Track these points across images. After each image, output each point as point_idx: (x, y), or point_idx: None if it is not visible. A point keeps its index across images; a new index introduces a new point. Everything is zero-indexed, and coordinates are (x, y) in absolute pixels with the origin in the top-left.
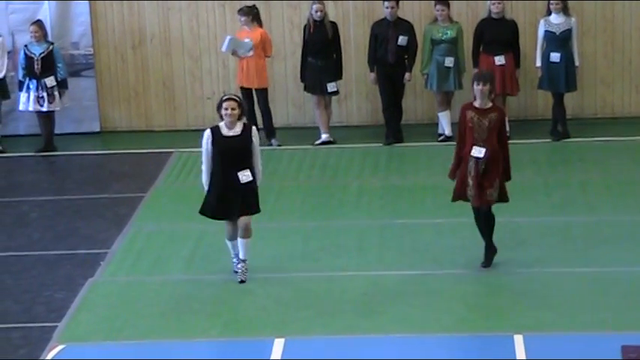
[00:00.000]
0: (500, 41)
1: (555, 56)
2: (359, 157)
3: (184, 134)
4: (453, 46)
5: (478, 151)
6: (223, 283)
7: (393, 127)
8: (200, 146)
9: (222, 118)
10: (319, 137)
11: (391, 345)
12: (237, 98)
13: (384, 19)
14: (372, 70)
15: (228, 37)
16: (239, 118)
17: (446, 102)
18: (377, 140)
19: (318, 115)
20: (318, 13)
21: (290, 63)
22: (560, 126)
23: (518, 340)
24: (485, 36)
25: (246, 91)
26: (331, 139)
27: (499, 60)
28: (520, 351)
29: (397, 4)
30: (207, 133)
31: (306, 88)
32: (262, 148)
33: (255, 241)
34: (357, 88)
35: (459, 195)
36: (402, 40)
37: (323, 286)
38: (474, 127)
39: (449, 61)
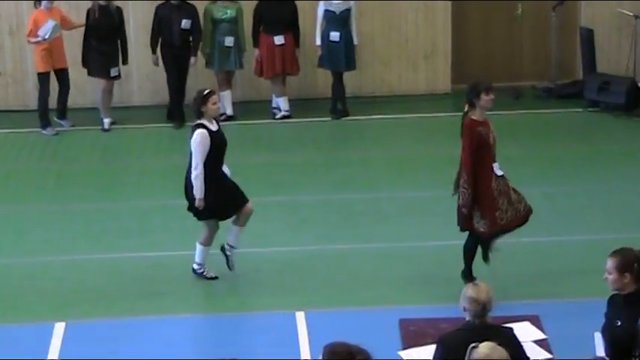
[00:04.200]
0: (280, 21)
1: (335, 35)
2: (141, 138)
3: None
4: (234, 25)
5: (497, 168)
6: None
7: (177, 109)
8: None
9: (201, 115)
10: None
11: (174, 325)
12: None
13: (168, 1)
14: (154, 52)
15: (54, 23)
16: None
17: (227, 82)
18: (161, 121)
19: (99, 98)
20: None
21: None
22: (340, 104)
23: (300, 317)
24: (265, 16)
25: (47, 75)
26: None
27: (279, 40)
28: (302, 327)
29: None
30: (204, 132)
31: (90, 73)
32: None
33: (36, 224)
34: (137, 69)
35: (503, 225)
36: (185, 23)
37: (106, 268)
38: (493, 143)
39: (229, 41)
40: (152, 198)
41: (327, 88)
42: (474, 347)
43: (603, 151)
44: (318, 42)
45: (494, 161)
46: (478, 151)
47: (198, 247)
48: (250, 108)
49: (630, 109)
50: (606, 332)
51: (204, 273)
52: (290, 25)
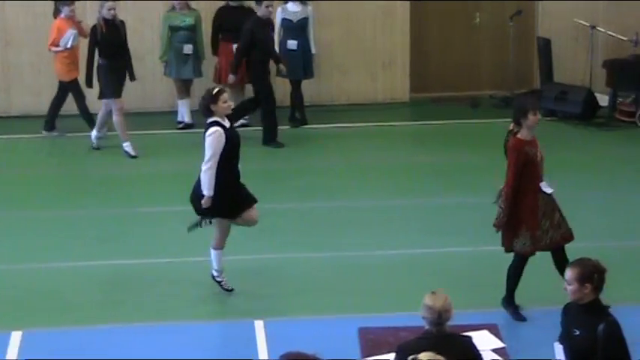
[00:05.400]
0: (239, 29)
1: (292, 44)
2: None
3: None
4: (192, 33)
5: (546, 186)
6: None
7: None
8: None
9: (211, 114)
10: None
11: (132, 334)
12: None
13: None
14: None
15: (74, 32)
16: None
17: (185, 90)
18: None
19: (118, 122)
20: (112, 12)
21: (26, 51)
22: (298, 113)
23: (259, 325)
24: (225, 24)
25: (72, 83)
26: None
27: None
28: (261, 336)
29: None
30: (219, 129)
31: (104, 95)
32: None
33: None
34: None
35: (542, 247)
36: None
37: (65, 277)
38: (539, 162)
39: (187, 49)
40: (113, 206)
41: (285, 96)
42: (413, 358)
43: (560, 159)
44: (276, 50)
45: (542, 180)
46: (524, 172)
47: (213, 253)
48: None
49: (587, 118)
50: (565, 342)
51: (223, 283)
52: None
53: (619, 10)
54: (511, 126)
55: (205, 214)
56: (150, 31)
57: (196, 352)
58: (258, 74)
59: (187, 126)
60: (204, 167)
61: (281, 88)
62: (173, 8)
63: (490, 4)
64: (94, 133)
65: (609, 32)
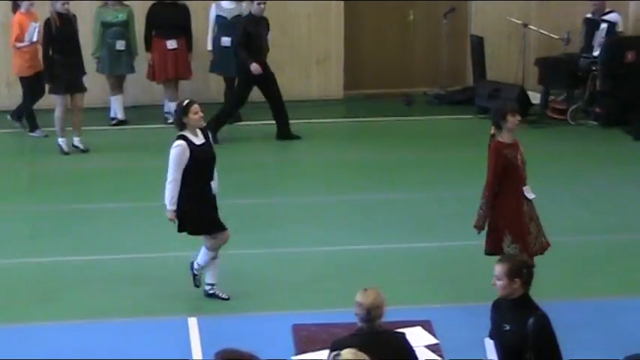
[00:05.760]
0: (173, 25)
1: (226, 41)
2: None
3: None
4: (125, 29)
5: (528, 191)
6: None
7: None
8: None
9: (183, 127)
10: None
11: (67, 332)
12: None
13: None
14: None
15: (36, 26)
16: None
17: (118, 86)
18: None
19: (59, 117)
20: (65, 6)
21: None
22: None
23: (193, 322)
24: (158, 20)
25: (32, 78)
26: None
27: (171, 44)
28: (194, 333)
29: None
30: (183, 143)
31: (55, 91)
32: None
33: None
34: None
35: (534, 251)
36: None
37: None
38: (520, 166)
39: (120, 45)
40: (43, 203)
41: (219, 93)
42: (336, 355)
43: None
44: (210, 47)
45: (525, 184)
46: (504, 174)
47: (202, 249)
48: (143, 112)
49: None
50: (496, 337)
51: (217, 293)
52: (182, 30)
53: (551, 9)
54: (492, 130)
55: (181, 230)
56: (82, 26)
57: (128, 350)
58: (245, 71)
59: (120, 122)
60: (167, 181)
61: (215, 84)
62: (106, 4)
63: (424, 2)
64: (60, 139)
65: (541, 30)
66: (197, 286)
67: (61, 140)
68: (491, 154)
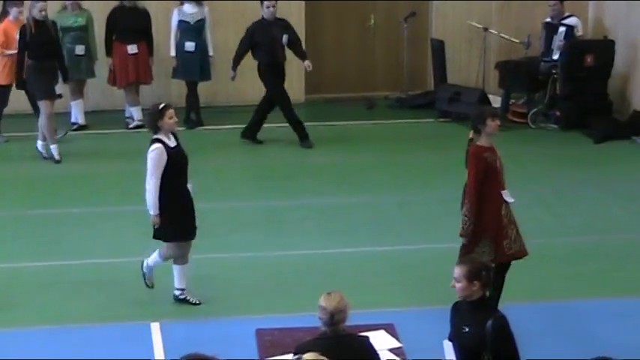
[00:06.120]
0: (133, 30)
1: (190, 46)
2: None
3: None
4: (84, 33)
5: (508, 195)
6: None
7: None
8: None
9: (157, 130)
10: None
11: (29, 338)
12: None
13: None
14: None
15: None
16: None
17: (78, 90)
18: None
19: (45, 124)
20: (43, 13)
21: None
22: (193, 114)
23: (155, 327)
24: (118, 24)
25: (9, 88)
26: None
27: (132, 49)
28: (157, 339)
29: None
30: (160, 145)
31: (33, 97)
32: None
33: None
34: None
35: (510, 255)
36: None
37: None
38: (500, 169)
39: (80, 49)
40: (4, 209)
41: (180, 97)
42: (297, 359)
43: (455, 160)
44: (173, 53)
45: (504, 188)
46: (485, 179)
47: (175, 269)
48: (103, 117)
49: None
50: (455, 339)
51: (187, 298)
52: (143, 34)
53: (511, 13)
54: (470, 134)
55: (158, 238)
56: None
57: (92, 355)
58: (266, 77)
59: (81, 127)
60: (147, 186)
61: (177, 89)
62: (65, 8)
63: (384, 5)
64: (52, 145)
65: (502, 34)
66: (149, 286)
67: (52, 147)
68: (472, 158)
